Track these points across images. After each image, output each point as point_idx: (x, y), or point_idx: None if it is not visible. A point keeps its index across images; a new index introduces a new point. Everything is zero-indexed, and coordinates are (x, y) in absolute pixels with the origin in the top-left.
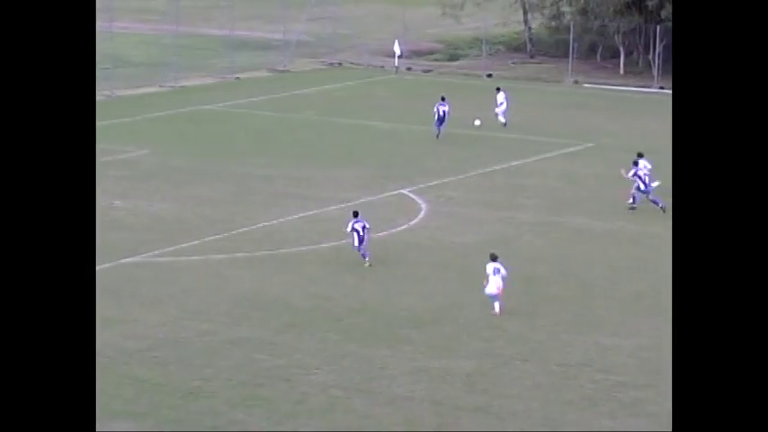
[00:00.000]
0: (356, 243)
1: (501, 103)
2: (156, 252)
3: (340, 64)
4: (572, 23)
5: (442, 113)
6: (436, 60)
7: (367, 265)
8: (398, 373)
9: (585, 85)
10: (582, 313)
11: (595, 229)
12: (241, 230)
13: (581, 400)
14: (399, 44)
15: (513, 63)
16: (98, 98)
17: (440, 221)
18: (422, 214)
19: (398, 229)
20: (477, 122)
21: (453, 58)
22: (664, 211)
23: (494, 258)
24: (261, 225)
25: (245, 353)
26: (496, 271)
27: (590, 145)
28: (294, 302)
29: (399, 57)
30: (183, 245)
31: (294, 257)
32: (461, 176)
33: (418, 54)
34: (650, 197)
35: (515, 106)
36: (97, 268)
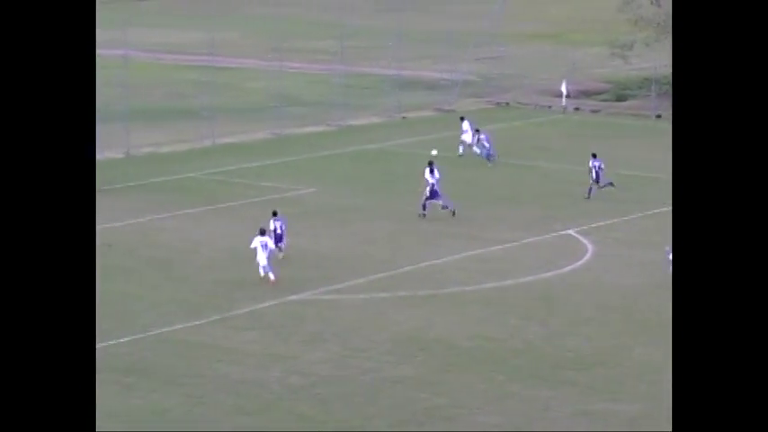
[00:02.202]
0: (273, 241)
1: (465, 131)
2: (321, 290)
3: (507, 104)
4: None
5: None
6: (604, 101)
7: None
8: (562, 415)
9: None
10: None
11: None
12: (405, 269)
13: None
14: (567, 84)
15: None
16: (266, 136)
17: (606, 263)
18: (588, 255)
19: (564, 270)
20: (434, 152)
21: (621, 98)
22: (453, 214)
23: (262, 233)
24: (424, 264)
25: (407, 392)
26: (264, 245)
27: None
28: (457, 342)
29: (567, 96)
30: (347, 283)
31: (457, 297)
32: (626, 218)
33: (586, 94)
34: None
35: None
36: (263, 305)
